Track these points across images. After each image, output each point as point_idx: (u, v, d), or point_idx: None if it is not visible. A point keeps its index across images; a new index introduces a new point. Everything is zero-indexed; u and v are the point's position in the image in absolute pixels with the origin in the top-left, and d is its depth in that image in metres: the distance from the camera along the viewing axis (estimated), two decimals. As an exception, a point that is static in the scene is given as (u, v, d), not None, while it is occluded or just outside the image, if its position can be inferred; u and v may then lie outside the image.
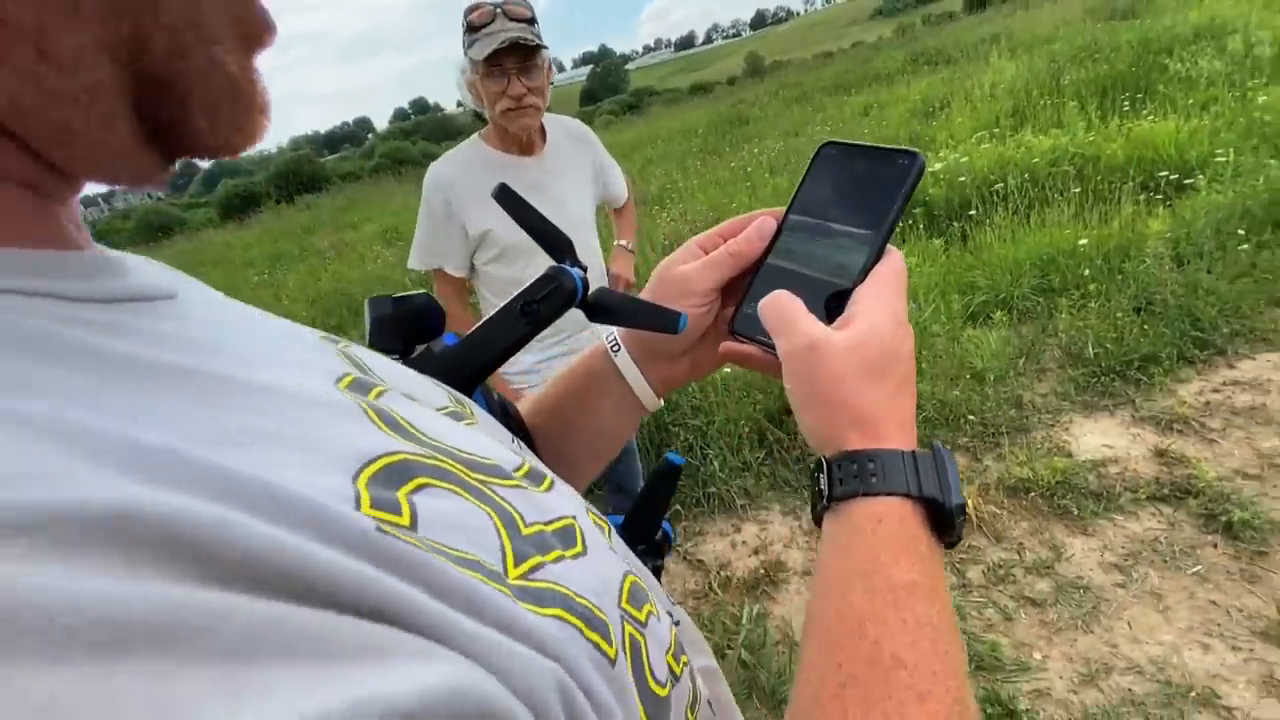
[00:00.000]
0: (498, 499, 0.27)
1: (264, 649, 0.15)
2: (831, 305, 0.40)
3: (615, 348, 0.50)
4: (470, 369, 0.47)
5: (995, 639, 1.71)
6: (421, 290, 0.49)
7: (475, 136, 1.67)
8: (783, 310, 0.38)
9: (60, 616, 0.13)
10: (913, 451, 0.35)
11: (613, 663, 0.25)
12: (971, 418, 2.50)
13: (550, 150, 1.67)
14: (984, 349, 2.78)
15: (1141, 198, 3.64)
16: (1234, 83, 4.77)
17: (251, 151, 0.29)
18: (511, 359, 0.49)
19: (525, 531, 0.26)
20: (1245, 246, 2.91)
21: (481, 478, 0.27)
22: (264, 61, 0.26)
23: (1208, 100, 4.66)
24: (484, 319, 0.48)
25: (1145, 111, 4.84)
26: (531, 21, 1.50)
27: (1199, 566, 1.77)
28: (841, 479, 0.34)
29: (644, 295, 0.48)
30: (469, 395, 0.45)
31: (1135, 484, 2.07)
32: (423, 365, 0.46)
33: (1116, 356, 2.57)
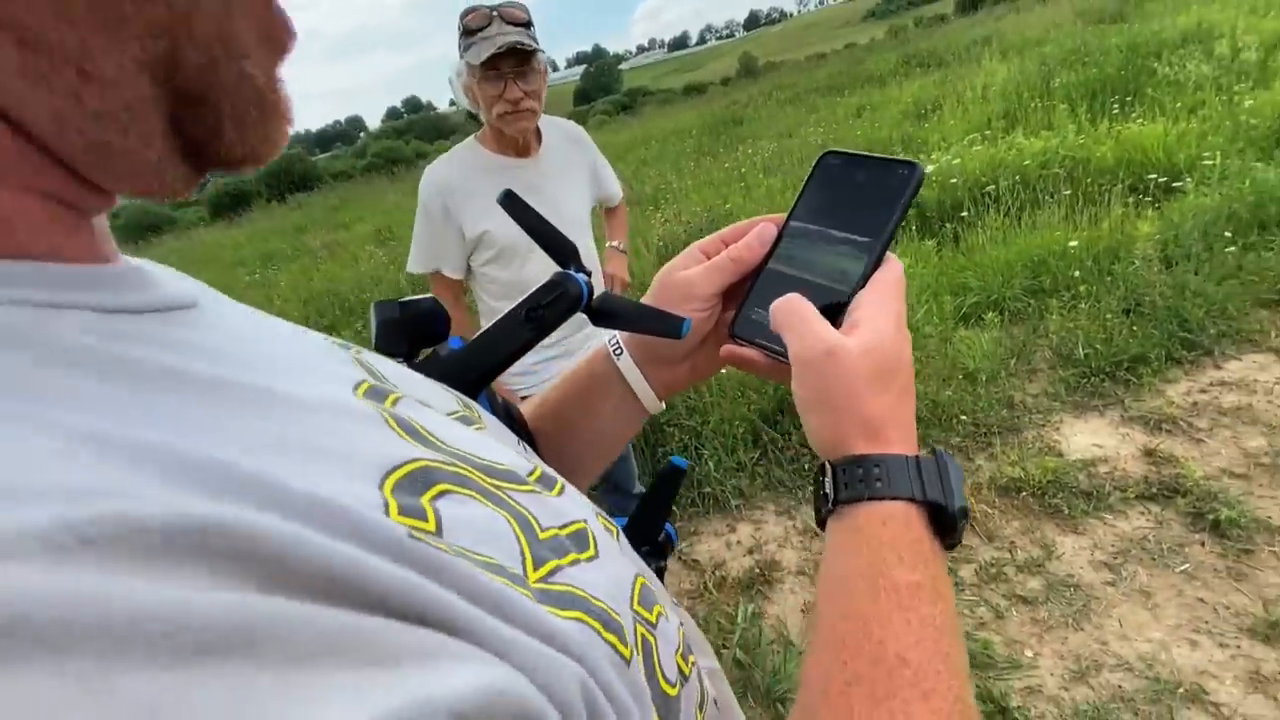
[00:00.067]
0: (514, 504, 0.27)
1: (332, 654, 0.16)
2: (831, 311, 0.41)
3: (618, 351, 0.51)
4: (476, 373, 0.47)
5: (987, 637, 1.73)
6: (427, 295, 0.50)
7: (471, 139, 1.67)
8: (797, 313, 0.39)
9: (150, 624, 0.14)
10: (916, 456, 0.36)
11: (629, 663, 0.26)
12: (964, 418, 2.52)
13: (546, 152, 1.68)
14: (976, 349, 2.80)
15: (1130, 200, 3.68)
16: (1221, 86, 4.83)
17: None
18: None
19: (542, 536, 0.27)
20: (1232, 249, 2.94)
21: (498, 483, 0.28)
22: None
23: (1195, 104, 4.72)
24: (490, 324, 0.49)
25: (1134, 115, 4.89)
26: (528, 25, 1.50)
27: (1187, 565, 1.79)
28: (847, 483, 0.35)
29: (646, 300, 0.48)
30: (474, 399, 0.46)
31: (1124, 483, 2.09)
32: (428, 369, 0.46)
33: (1106, 357, 2.60)
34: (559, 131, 1.74)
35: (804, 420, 0.39)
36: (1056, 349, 2.78)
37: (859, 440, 0.36)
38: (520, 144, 1.62)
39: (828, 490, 0.36)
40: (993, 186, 4.12)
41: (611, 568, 0.30)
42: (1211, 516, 1.88)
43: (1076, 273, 3.09)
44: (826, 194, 0.46)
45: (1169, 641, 1.62)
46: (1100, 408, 2.46)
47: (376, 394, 0.29)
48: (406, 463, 0.24)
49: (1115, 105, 5.13)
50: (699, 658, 0.37)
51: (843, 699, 0.29)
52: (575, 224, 1.68)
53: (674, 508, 2.45)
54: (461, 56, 1.51)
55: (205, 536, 0.16)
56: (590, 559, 0.29)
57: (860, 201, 0.44)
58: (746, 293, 0.47)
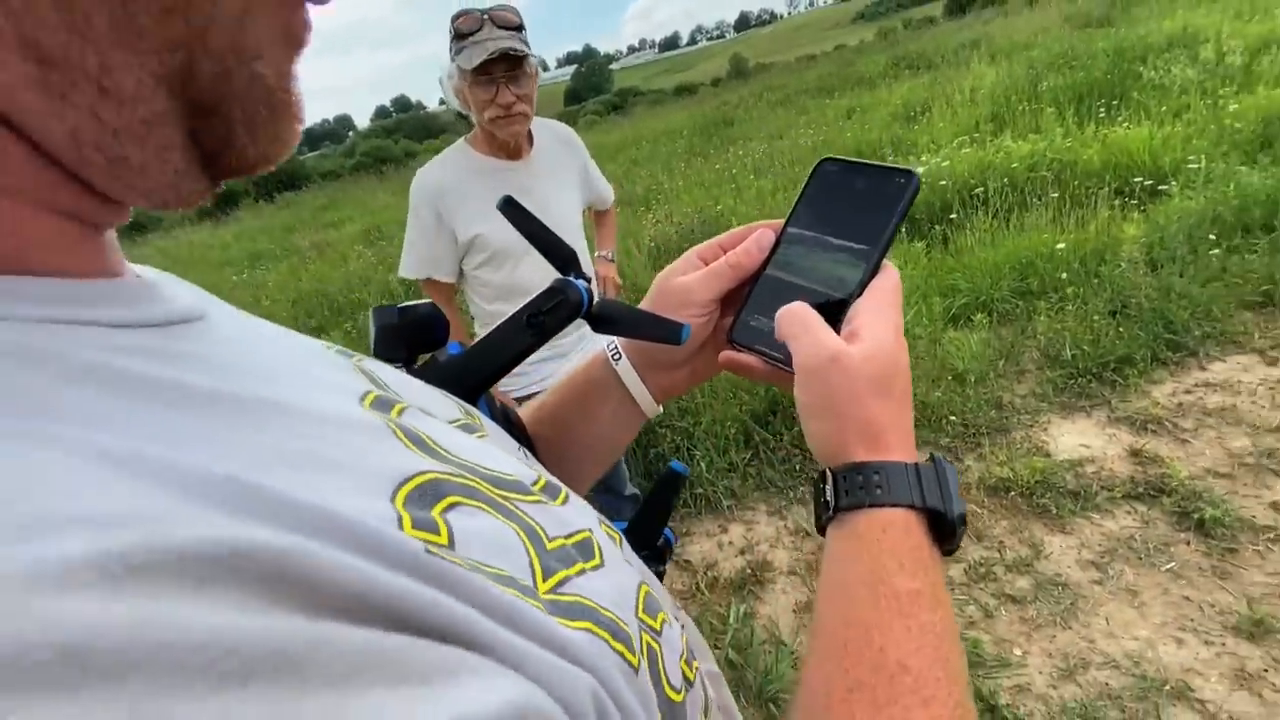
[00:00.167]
0: (522, 515, 0.28)
1: (367, 674, 0.16)
2: (830, 318, 0.42)
3: (616, 356, 0.51)
4: (476, 379, 0.47)
5: (976, 636, 1.74)
6: (425, 300, 0.50)
7: (461, 141, 1.67)
8: (801, 320, 0.39)
9: (200, 651, 0.14)
10: (916, 464, 0.36)
11: (637, 672, 0.26)
12: (953, 418, 2.55)
13: (537, 154, 1.68)
14: (965, 351, 2.83)
15: (1117, 203, 3.73)
16: (1206, 90, 4.90)
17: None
18: None
19: (550, 546, 0.27)
20: (1216, 251, 2.99)
21: (505, 494, 0.28)
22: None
23: (1180, 107, 4.78)
24: (489, 329, 0.49)
25: (1120, 118, 4.95)
26: (519, 28, 1.50)
27: (1172, 563, 1.82)
28: (847, 490, 0.35)
29: (644, 305, 0.49)
30: (474, 404, 0.46)
31: (1111, 483, 2.12)
32: (428, 375, 0.46)
33: (1093, 358, 2.63)
34: (550, 134, 1.74)
35: (805, 426, 0.39)
36: (1044, 350, 2.81)
37: (859, 447, 0.37)
38: (512, 147, 1.61)
39: (828, 497, 0.36)
40: (981, 189, 4.15)
41: (616, 576, 0.30)
42: (1196, 516, 1.90)
43: (1064, 275, 3.12)
44: (824, 201, 0.46)
45: (1155, 639, 1.64)
46: (1087, 408, 2.49)
47: (382, 404, 0.29)
48: (416, 475, 0.24)
49: (1102, 109, 5.19)
50: (700, 662, 0.37)
51: (844, 706, 0.29)
52: (567, 227, 1.68)
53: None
54: (453, 59, 1.51)
55: (241, 560, 0.16)
56: (596, 568, 0.29)
57: (858, 209, 0.44)
58: (745, 299, 0.47)
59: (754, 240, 0.47)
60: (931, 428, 2.54)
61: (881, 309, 0.39)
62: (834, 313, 0.42)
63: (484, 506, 0.26)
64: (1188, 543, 1.87)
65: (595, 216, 1.99)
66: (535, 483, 0.32)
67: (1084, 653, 1.65)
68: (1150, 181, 3.79)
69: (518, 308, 0.49)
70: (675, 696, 0.30)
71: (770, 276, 0.46)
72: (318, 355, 0.32)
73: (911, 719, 0.28)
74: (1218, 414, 2.29)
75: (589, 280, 0.50)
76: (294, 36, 0.25)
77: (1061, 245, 3.28)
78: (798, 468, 2.51)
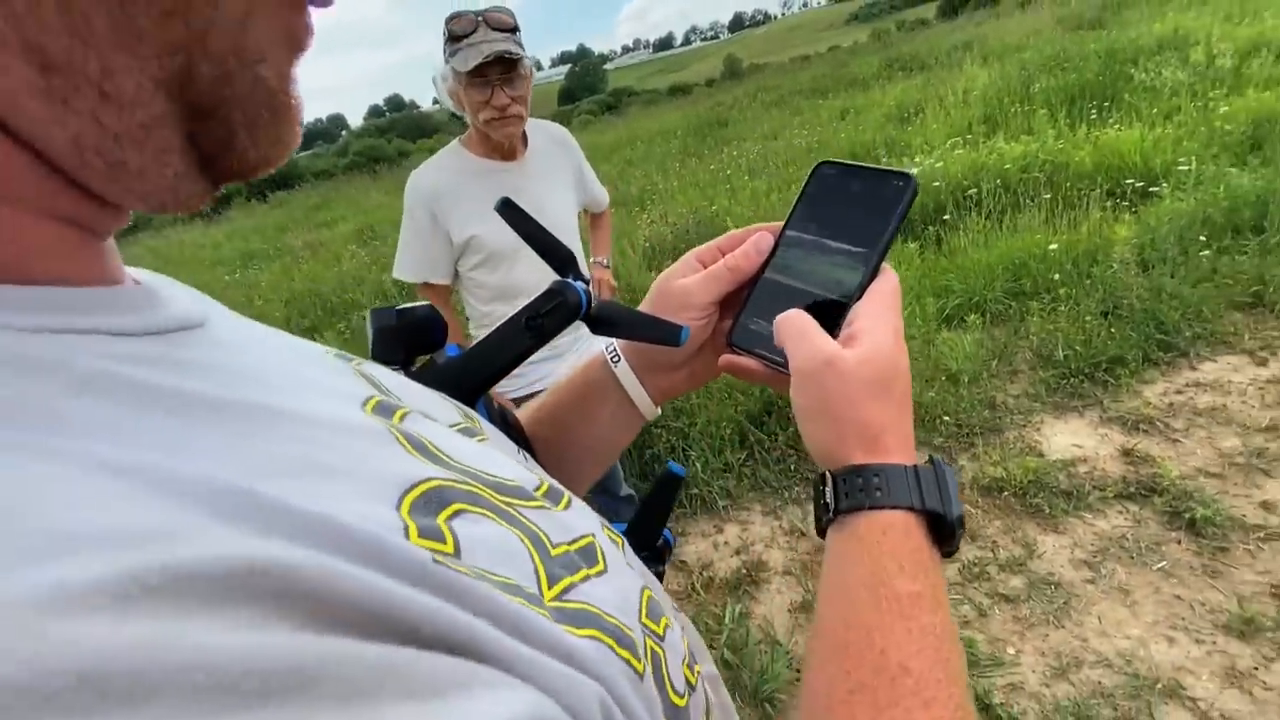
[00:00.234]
0: (525, 521, 0.27)
1: (380, 690, 0.16)
2: (829, 321, 0.42)
3: (615, 358, 0.51)
4: (475, 381, 0.47)
5: (970, 635, 1.75)
6: (423, 301, 0.50)
7: (456, 143, 1.66)
8: (797, 326, 0.40)
9: (219, 672, 0.14)
10: (915, 466, 0.36)
11: (642, 678, 0.26)
12: (946, 418, 2.56)
13: (532, 155, 1.67)
14: (958, 351, 2.84)
15: (1108, 204, 3.75)
16: (1196, 93, 4.93)
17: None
18: None
19: (554, 553, 0.27)
20: (1207, 252, 3.01)
21: (508, 500, 0.28)
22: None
23: (1171, 110, 4.82)
24: (487, 331, 0.49)
25: (1111, 120, 4.99)
26: (514, 30, 1.50)
27: (1164, 562, 1.83)
28: (847, 492, 0.35)
29: (643, 307, 0.49)
30: (472, 406, 0.46)
31: (1103, 483, 2.13)
32: (426, 377, 0.46)
33: (1085, 359, 2.65)
34: (544, 135, 1.74)
35: (802, 429, 0.40)
36: (1037, 350, 2.83)
37: (858, 449, 0.37)
38: (506, 148, 1.61)
39: (828, 499, 0.36)
40: (974, 190, 4.17)
41: (619, 581, 0.30)
42: (1188, 515, 1.92)
43: (1056, 275, 3.14)
44: (822, 204, 0.46)
45: (1147, 638, 1.65)
46: (1080, 408, 2.50)
47: (384, 409, 0.29)
48: (421, 483, 0.24)
49: (1093, 111, 5.22)
50: (700, 664, 0.37)
51: (845, 708, 0.29)
52: (563, 228, 1.68)
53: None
54: (447, 61, 1.50)
55: (254, 577, 0.16)
56: (600, 574, 0.29)
57: (856, 212, 0.44)
58: (744, 302, 0.47)
59: (753, 243, 0.47)
60: (925, 428, 2.55)
61: (881, 312, 0.39)
62: (834, 316, 0.42)
63: (488, 513, 0.26)
64: (1179, 542, 1.88)
65: (591, 220, 1.98)
66: (538, 488, 0.32)
67: (1077, 651, 1.66)
68: (1141, 183, 3.82)
69: (515, 309, 0.49)
70: (679, 701, 0.30)
71: (769, 280, 0.46)
72: (318, 360, 0.32)
73: None
74: (1208, 414, 2.31)
75: (588, 282, 0.50)
76: (295, 39, 0.25)
77: (1054, 246, 3.30)
78: (793, 468, 2.51)
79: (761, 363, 0.44)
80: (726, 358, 0.47)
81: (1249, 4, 7.06)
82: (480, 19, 1.47)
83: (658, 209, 6.16)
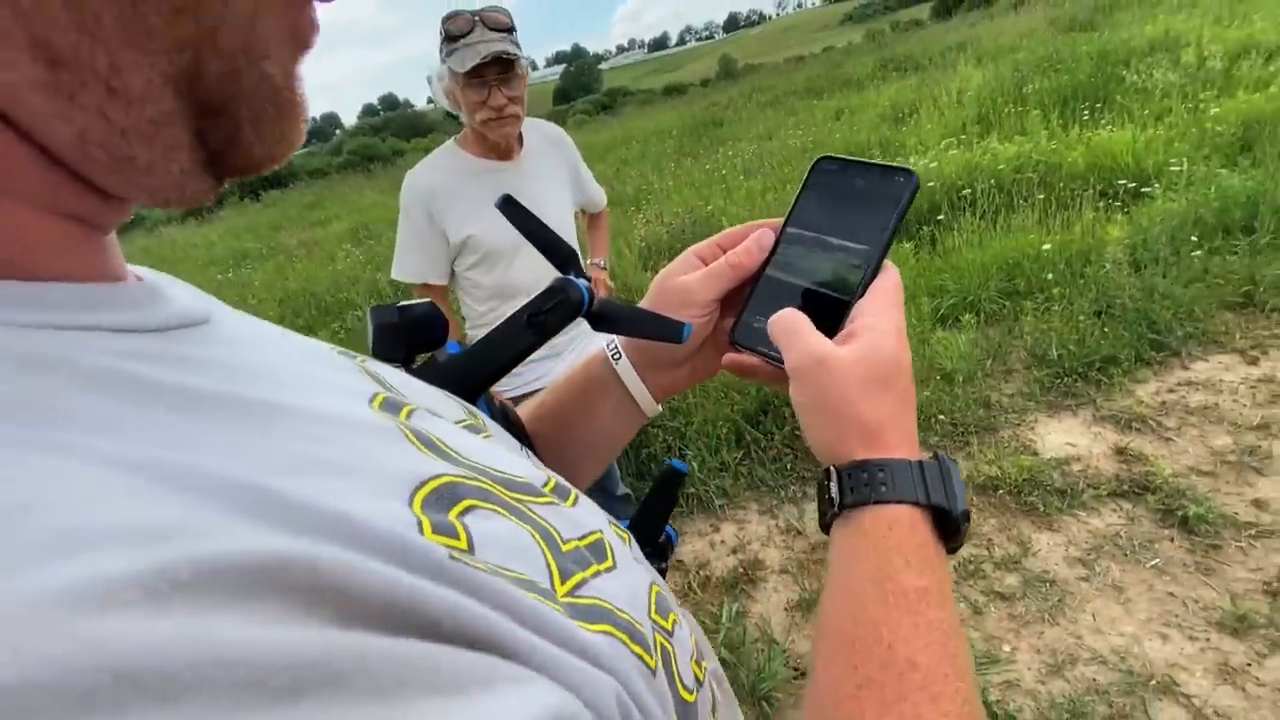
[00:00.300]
0: (536, 517, 0.27)
1: (409, 686, 0.16)
2: (831, 318, 0.42)
3: (616, 355, 0.51)
4: (476, 378, 0.47)
5: (966, 633, 1.76)
6: (424, 299, 0.49)
7: (451, 142, 1.66)
8: (789, 326, 0.40)
9: (252, 668, 0.14)
10: (920, 461, 0.36)
11: (654, 674, 0.26)
12: (941, 417, 2.57)
13: (527, 155, 1.67)
14: (953, 351, 2.85)
15: (1101, 205, 3.78)
16: (1187, 94, 4.97)
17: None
18: None
19: (564, 549, 0.27)
20: (1198, 253, 3.03)
21: (518, 496, 0.28)
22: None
23: (1162, 111, 4.85)
24: (491, 329, 0.49)
25: (1104, 121, 5.01)
26: (510, 30, 1.49)
27: (1157, 560, 1.84)
28: (852, 487, 0.35)
29: (644, 304, 0.49)
30: (473, 404, 0.46)
31: (1097, 481, 2.15)
32: (427, 375, 0.46)
33: (1078, 358, 2.66)
34: (540, 134, 1.74)
35: (804, 426, 0.40)
36: (1031, 350, 2.84)
37: (859, 446, 0.37)
38: (503, 147, 1.61)
39: (833, 495, 0.36)
40: (968, 190, 4.19)
41: (628, 577, 0.30)
42: (1180, 513, 1.93)
43: (1050, 275, 3.16)
44: (823, 200, 0.46)
45: (1141, 635, 1.66)
46: (1073, 407, 2.52)
47: (391, 406, 0.29)
48: (432, 479, 0.24)
49: (1086, 112, 5.25)
50: (706, 660, 0.38)
51: (853, 703, 0.29)
52: (560, 227, 1.68)
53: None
54: (443, 61, 1.50)
55: (279, 572, 0.16)
56: (609, 569, 0.29)
57: (857, 208, 0.44)
58: (745, 300, 0.47)
59: (754, 240, 0.47)
60: (921, 427, 2.53)
61: (883, 310, 0.40)
62: (836, 313, 0.42)
63: (499, 509, 0.26)
64: (1172, 539, 1.90)
65: (588, 221, 1.98)
66: (545, 484, 0.32)
67: (1071, 649, 1.67)
68: (1133, 184, 3.85)
69: (513, 309, 0.49)
70: (688, 697, 0.30)
71: (771, 277, 0.46)
72: (323, 357, 0.32)
73: (921, 715, 0.28)
74: (1200, 412, 2.33)
75: (589, 279, 0.50)
76: (301, 37, 0.25)
77: (1047, 246, 3.32)
78: (789, 467, 2.52)
79: (765, 360, 0.44)
80: (730, 356, 0.47)
81: (1239, 6, 7.12)
82: (477, 19, 1.47)
83: (653, 209, 6.16)
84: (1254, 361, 2.50)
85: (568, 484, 0.35)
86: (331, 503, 0.19)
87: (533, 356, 1.61)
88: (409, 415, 0.29)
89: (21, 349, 0.18)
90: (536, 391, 0.57)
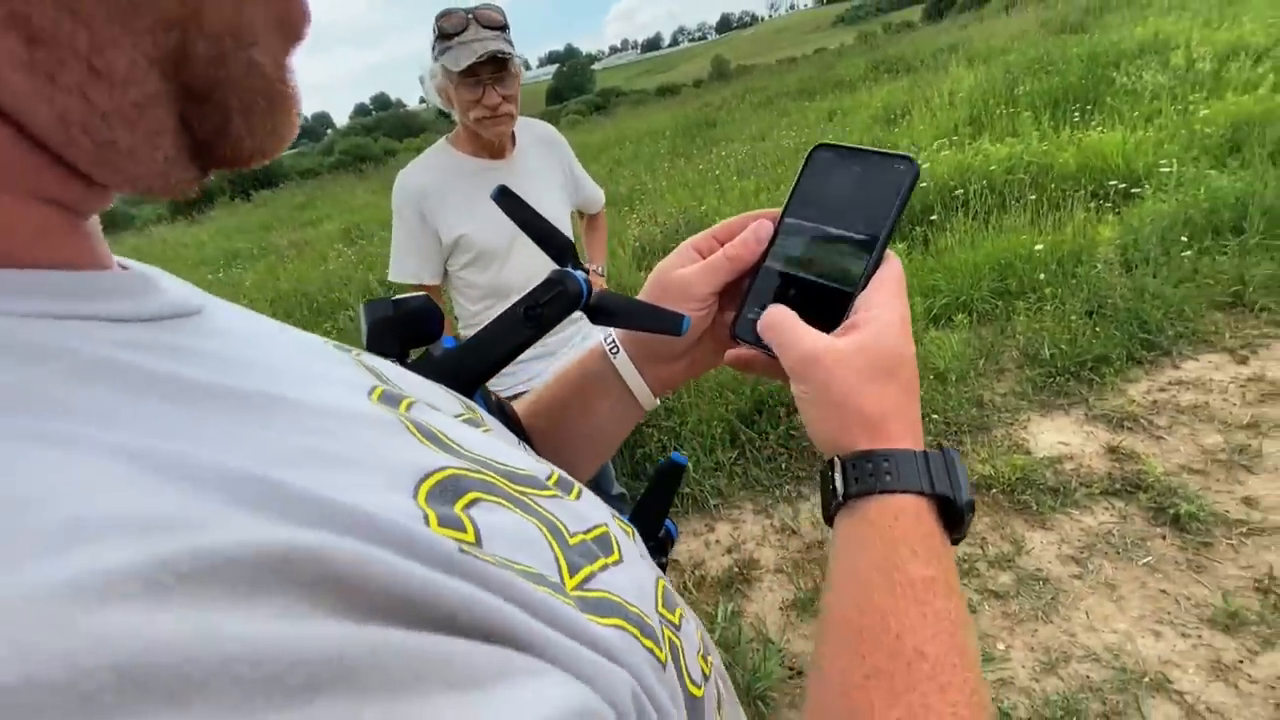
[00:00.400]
0: (541, 510, 0.27)
1: (425, 680, 0.16)
2: (834, 310, 0.41)
3: (614, 350, 0.51)
4: (473, 373, 0.46)
5: (973, 622, 1.76)
6: (420, 293, 0.49)
7: (443, 141, 1.65)
8: (779, 325, 0.40)
9: (261, 665, 0.13)
10: (924, 451, 0.36)
11: (664, 668, 0.26)
12: (935, 416, 2.58)
13: (520, 154, 1.67)
14: (946, 350, 2.86)
15: (1092, 205, 3.80)
16: (1176, 96, 5.01)
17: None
18: None
19: (571, 542, 0.27)
20: (1188, 253, 3.06)
21: (522, 489, 0.27)
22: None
23: (1152, 112, 4.89)
24: (488, 322, 0.48)
25: (1094, 122, 5.05)
26: (504, 28, 1.49)
27: (1149, 557, 1.85)
28: (857, 477, 0.35)
29: (642, 298, 0.48)
30: (470, 398, 0.45)
31: (1089, 479, 2.16)
32: (423, 369, 0.45)
33: (1070, 357, 2.67)
34: (532, 133, 1.73)
35: (806, 420, 0.39)
36: (1023, 349, 2.85)
37: (862, 436, 0.36)
38: (496, 146, 1.60)
39: (837, 485, 0.36)
40: (961, 191, 4.21)
41: (635, 571, 0.29)
42: (1172, 511, 1.94)
43: (1042, 275, 3.18)
44: (821, 189, 0.45)
45: (1134, 632, 1.67)
46: (1065, 406, 2.53)
47: (390, 399, 0.28)
48: (436, 471, 0.24)
49: (1076, 113, 5.29)
50: (712, 656, 0.37)
51: (862, 693, 0.29)
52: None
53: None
54: (436, 59, 1.49)
55: (286, 563, 0.15)
56: (616, 563, 0.29)
57: (857, 197, 0.43)
58: (745, 292, 0.46)
59: (751, 232, 0.46)
60: (914, 426, 2.57)
61: (886, 301, 0.39)
62: (838, 305, 0.41)
63: (504, 502, 0.25)
64: (1164, 537, 1.91)
65: (586, 222, 1.97)
66: (549, 477, 0.31)
67: (1065, 646, 1.68)
68: (1124, 184, 3.88)
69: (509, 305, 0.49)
70: (696, 691, 0.30)
71: (770, 269, 0.46)
72: (319, 350, 0.32)
73: (930, 704, 0.28)
74: (1191, 411, 2.34)
75: (587, 271, 0.49)
76: (290, 26, 0.24)
77: (1039, 246, 3.34)
78: (783, 466, 2.52)
79: (765, 354, 0.43)
80: (732, 351, 0.46)
81: (1228, 9, 7.19)
82: (471, 16, 1.46)
83: (647, 209, 6.16)
84: (1243, 361, 2.52)
85: (570, 478, 0.34)
86: (336, 495, 0.19)
87: (527, 356, 1.60)
88: (409, 408, 0.29)
89: (17, 338, 0.18)
90: (527, 393, 0.56)
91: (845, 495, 0.35)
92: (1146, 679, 1.55)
